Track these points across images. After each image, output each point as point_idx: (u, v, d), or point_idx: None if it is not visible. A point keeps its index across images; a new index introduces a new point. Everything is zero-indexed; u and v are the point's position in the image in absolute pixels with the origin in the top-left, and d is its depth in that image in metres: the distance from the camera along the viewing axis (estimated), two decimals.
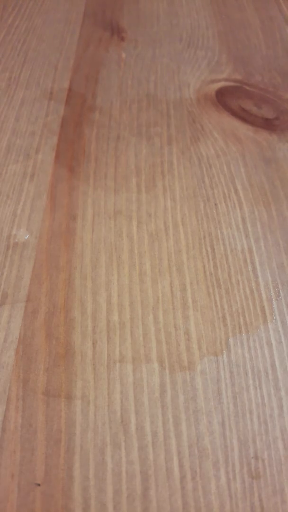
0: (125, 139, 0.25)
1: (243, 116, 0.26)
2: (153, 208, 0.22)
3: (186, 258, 0.20)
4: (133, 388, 0.17)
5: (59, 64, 0.29)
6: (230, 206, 0.22)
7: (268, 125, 0.26)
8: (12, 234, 0.21)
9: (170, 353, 0.17)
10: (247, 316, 0.18)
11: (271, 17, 0.35)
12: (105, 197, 0.22)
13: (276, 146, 0.25)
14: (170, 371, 0.17)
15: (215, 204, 0.22)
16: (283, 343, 0.18)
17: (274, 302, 0.19)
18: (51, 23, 0.33)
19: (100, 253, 0.20)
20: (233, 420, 0.16)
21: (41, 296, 0.19)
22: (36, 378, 0.17)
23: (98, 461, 0.15)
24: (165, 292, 0.19)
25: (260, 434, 0.16)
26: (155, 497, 0.14)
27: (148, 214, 0.22)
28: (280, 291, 0.19)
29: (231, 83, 0.28)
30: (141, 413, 0.16)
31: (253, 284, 0.19)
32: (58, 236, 0.21)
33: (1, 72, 0.28)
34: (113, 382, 0.17)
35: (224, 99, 0.27)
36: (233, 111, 0.26)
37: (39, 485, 0.15)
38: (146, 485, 0.15)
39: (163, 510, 0.14)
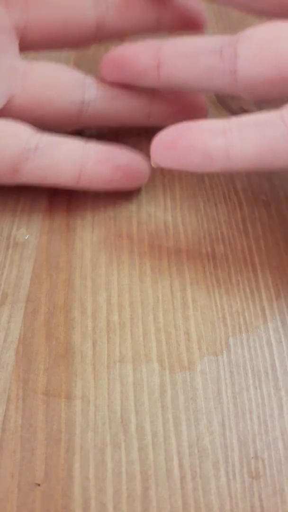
0: (125, 139, 0.25)
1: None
2: (153, 208, 0.22)
3: (186, 258, 0.20)
4: (133, 388, 0.17)
5: None
6: (230, 206, 0.22)
7: None
8: (12, 234, 0.21)
9: (170, 353, 0.17)
10: (247, 316, 0.18)
11: (271, 17, 0.35)
12: (105, 197, 0.22)
13: None
14: (170, 371, 0.17)
15: (215, 204, 0.22)
16: (283, 343, 0.18)
17: (274, 302, 0.19)
18: None
19: (100, 253, 0.20)
20: (233, 420, 0.16)
21: (41, 296, 0.19)
22: (36, 378, 0.17)
23: (98, 461, 0.15)
24: (165, 292, 0.19)
25: (260, 434, 0.16)
26: (155, 497, 0.14)
27: (148, 214, 0.22)
28: (280, 291, 0.19)
29: None
30: (141, 413, 0.16)
31: (253, 284, 0.19)
32: (58, 236, 0.21)
33: None
34: (113, 382, 0.17)
35: (224, 99, 0.27)
36: (233, 111, 0.26)
37: (39, 485, 0.15)
38: (146, 485, 0.15)
39: (163, 510, 0.14)
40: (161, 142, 0.18)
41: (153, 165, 0.19)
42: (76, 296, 0.19)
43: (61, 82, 0.22)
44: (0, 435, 0.15)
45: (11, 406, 0.16)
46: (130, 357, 0.17)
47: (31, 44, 0.23)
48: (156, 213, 0.22)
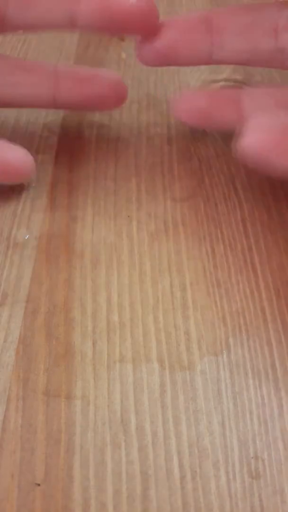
0: (125, 139, 0.25)
1: None
2: (153, 208, 0.22)
3: (186, 258, 0.20)
4: (133, 388, 0.17)
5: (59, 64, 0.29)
6: (230, 206, 0.22)
7: None
8: (12, 234, 0.21)
9: (170, 353, 0.17)
10: (247, 316, 0.19)
11: None
12: (105, 197, 0.22)
13: None
14: (170, 371, 0.17)
15: (215, 204, 0.22)
16: (283, 343, 0.18)
17: (274, 302, 0.19)
18: None
19: (100, 253, 0.20)
20: (233, 420, 0.16)
21: (41, 296, 0.19)
22: (36, 378, 0.17)
23: (98, 461, 0.15)
24: (165, 292, 0.19)
25: (260, 434, 0.16)
26: (155, 497, 0.14)
27: (148, 214, 0.22)
28: (280, 291, 0.19)
29: (231, 83, 0.28)
30: (141, 413, 0.16)
31: (253, 284, 0.19)
32: (58, 236, 0.21)
33: None
34: (113, 382, 0.17)
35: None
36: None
37: (39, 485, 0.15)
38: (146, 485, 0.15)
39: (163, 510, 0.14)
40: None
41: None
42: (76, 296, 0.19)
43: None
44: (0, 435, 0.15)
45: (11, 406, 0.16)
46: (130, 357, 0.17)
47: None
48: (156, 213, 0.22)
